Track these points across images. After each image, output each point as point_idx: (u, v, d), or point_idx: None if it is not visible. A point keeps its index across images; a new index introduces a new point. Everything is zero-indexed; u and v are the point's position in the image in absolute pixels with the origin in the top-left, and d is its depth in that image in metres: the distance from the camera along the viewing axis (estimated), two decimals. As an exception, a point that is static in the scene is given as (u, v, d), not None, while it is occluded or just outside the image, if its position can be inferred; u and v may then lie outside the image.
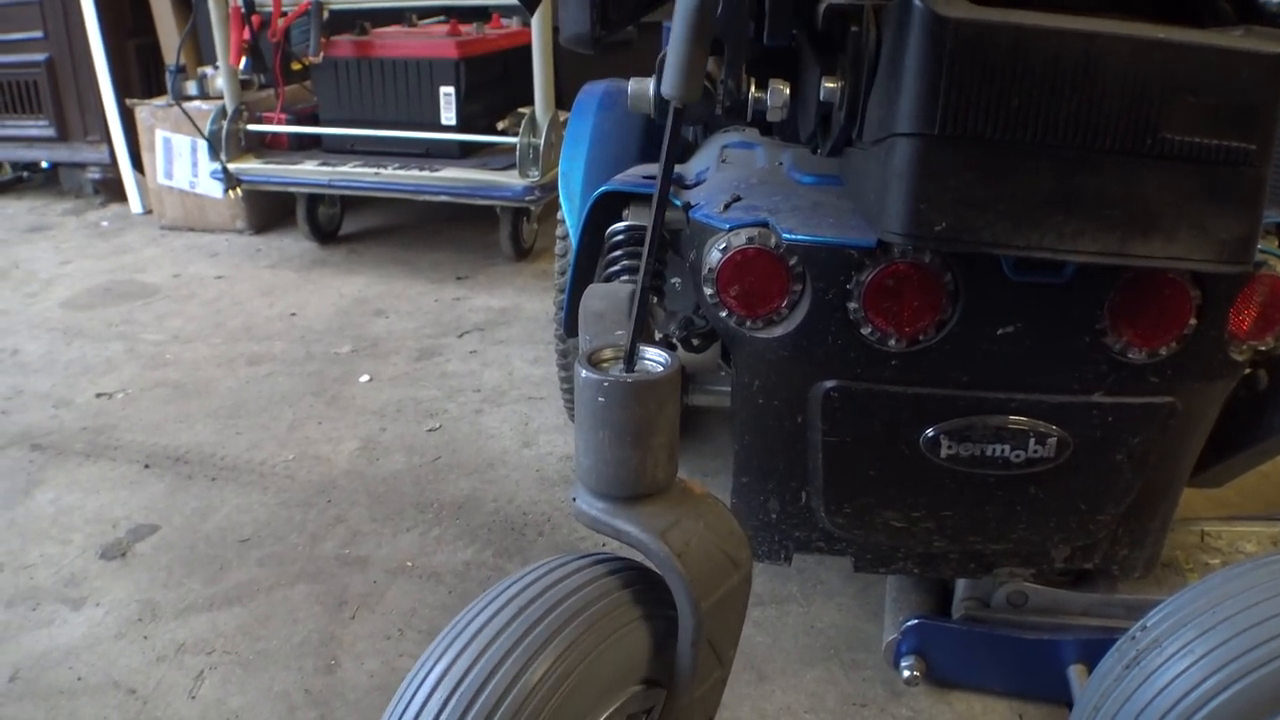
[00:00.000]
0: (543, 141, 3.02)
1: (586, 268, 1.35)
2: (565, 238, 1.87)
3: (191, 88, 3.69)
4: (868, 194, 0.97)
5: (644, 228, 1.22)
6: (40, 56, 3.90)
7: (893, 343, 1.03)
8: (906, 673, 1.35)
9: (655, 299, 1.22)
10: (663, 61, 1.05)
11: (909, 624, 1.35)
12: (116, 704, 1.42)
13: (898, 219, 0.87)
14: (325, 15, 3.20)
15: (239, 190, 3.32)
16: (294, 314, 2.93)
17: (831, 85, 1.01)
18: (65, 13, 3.79)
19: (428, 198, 3.16)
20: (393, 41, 3.23)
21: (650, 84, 1.05)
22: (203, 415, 2.29)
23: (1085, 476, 1.13)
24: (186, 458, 2.10)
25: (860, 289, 1.01)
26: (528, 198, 3.05)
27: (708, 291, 1.07)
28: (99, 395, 2.41)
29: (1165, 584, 1.37)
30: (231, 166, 3.28)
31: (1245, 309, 1.05)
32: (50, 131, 4.02)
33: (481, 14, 3.45)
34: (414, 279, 3.23)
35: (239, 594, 1.66)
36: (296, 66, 3.43)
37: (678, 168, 1.39)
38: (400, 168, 3.18)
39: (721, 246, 1.05)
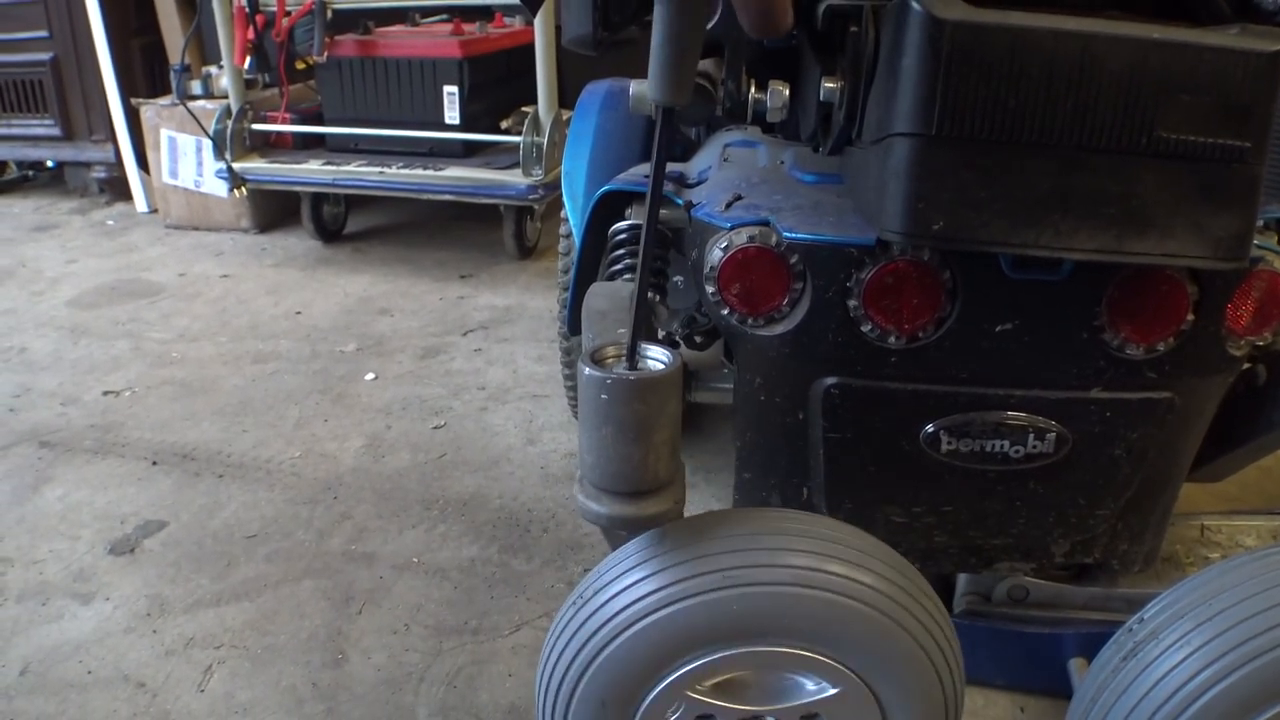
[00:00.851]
0: (546, 140, 3.03)
1: (590, 266, 1.36)
2: (568, 236, 1.88)
3: (196, 87, 3.70)
4: (867, 193, 0.99)
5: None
6: (45, 56, 3.92)
7: (893, 340, 1.04)
8: (908, 667, 1.36)
9: (658, 297, 1.23)
10: None
11: (910, 618, 1.36)
12: (126, 697, 1.44)
13: (896, 218, 0.88)
14: (329, 15, 3.21)
15: (244, 189, 3.33)
16: (299, 312, 2.94)
17: (831, 85, 1.02)
18: (70, 12, 3.81)
19: (431, 197, 3.17)
20: (396, 41, 3.24)
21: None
22: (209, 413, 2.31)
23: (1084, 471, 1.14)
24: (194, 455, 2.11)
25: (860, 287, 1.02)
26: (531, 196, 3.06)
27: (709, 290, 1.09)
28: (106, 393, 2.42)
29: (1165, 578, 1.37)
30: (236, 166, 3.29)
31: (1242, 304, 1.06)
32: (55, 131, 4.03)
33: (484, 13, 3.46)
34: (418, 278, 3.25)
35: (246, 589, 1.67)
36: (301, 66, 3.44)
37: (680, 166, 1.40)
38: (404, 167, 3.19)
39: (723, 245, 1.07)
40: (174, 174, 3.74)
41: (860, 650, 0.88)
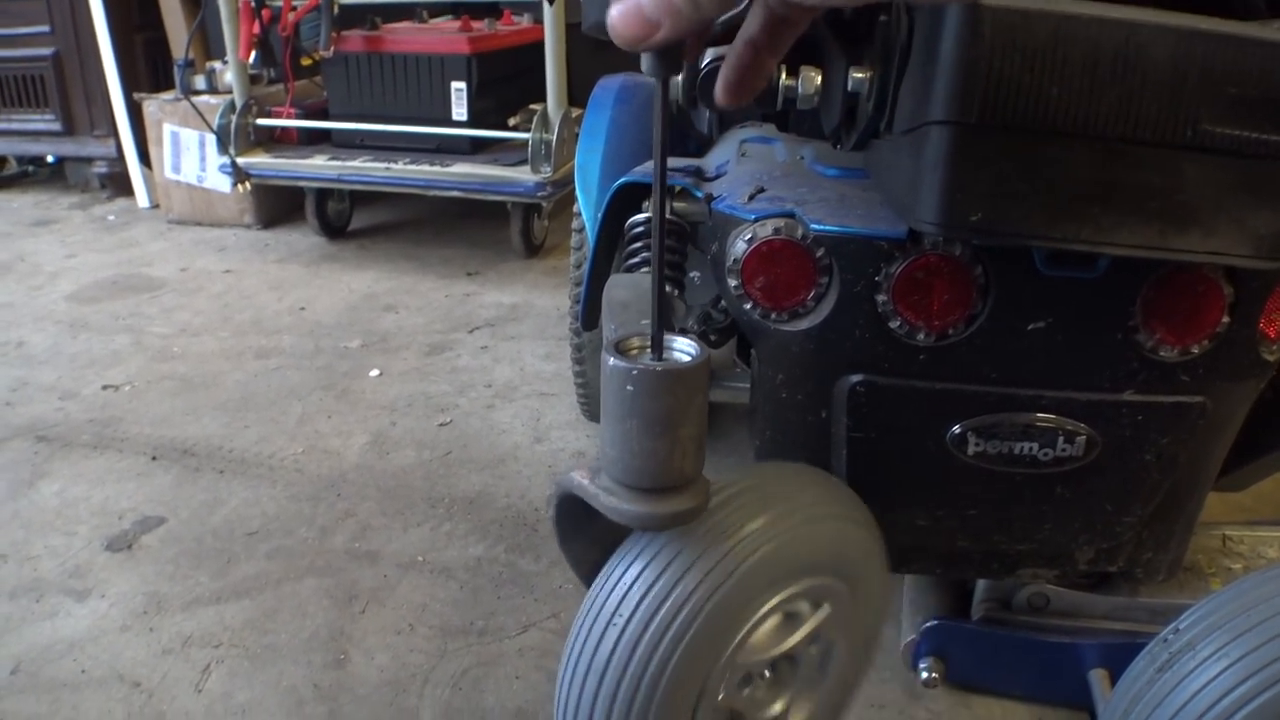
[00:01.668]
0: (555, 138, 3.00)
1: (604, 261, 1.33)
2: (581, 231, 1.85)
3: (200, 82, 3.68)
4: (897, 186, 0.96)
5: (666, 219, 1.20)
6: (47, 51, 3.89)
7: (921, 337, 1.01)
8: (925, 674, 1.33)
9: (676, 292, 1.20)
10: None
11: (928, 625, 1.33)
12: (121, 697, 1.41)
13: (931, 209, 0.85)
14: (335, 10, 3.19)
15: (248, 185, 3.31)
16: (303, 308, 2.91)
17: (860, 75, 0.99)
18: (72, 7, 3.79)
19: (438, 193, 3.15)
20: (404, 36, 3.22)
21: None
22: (210, 408, 2.27)
23: (1113, 476, 1.11)
24: (194, 450, 2.08)
25: (889, 281, 0.99)
26: (539, 194, 3.03)
27: (731, 283, 1.05)
28: (105, 387, 2.39)
29: (1188, 588, 1.35)
30: (240, 161, 3.26)
31: (1277, 309, 1.03)
32: (56, 126, 4.01)
33: (493, 10, 3.44)
34: (424, 274, 3.22)
35: (247, 587, 1.64)
36: (306, 61, 3.43)
37: (696, 161, 1.37)
38: (411, 163, 3.16)
39: (747, 237, 1.04)
40: (176, 169, 3.72)
41: (850, 563, 0.99)
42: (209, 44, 3.92)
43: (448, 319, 2.82)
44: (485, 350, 2.59)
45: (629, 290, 0.99)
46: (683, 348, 0.83)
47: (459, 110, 3.19)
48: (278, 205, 3.76)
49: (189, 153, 3.68)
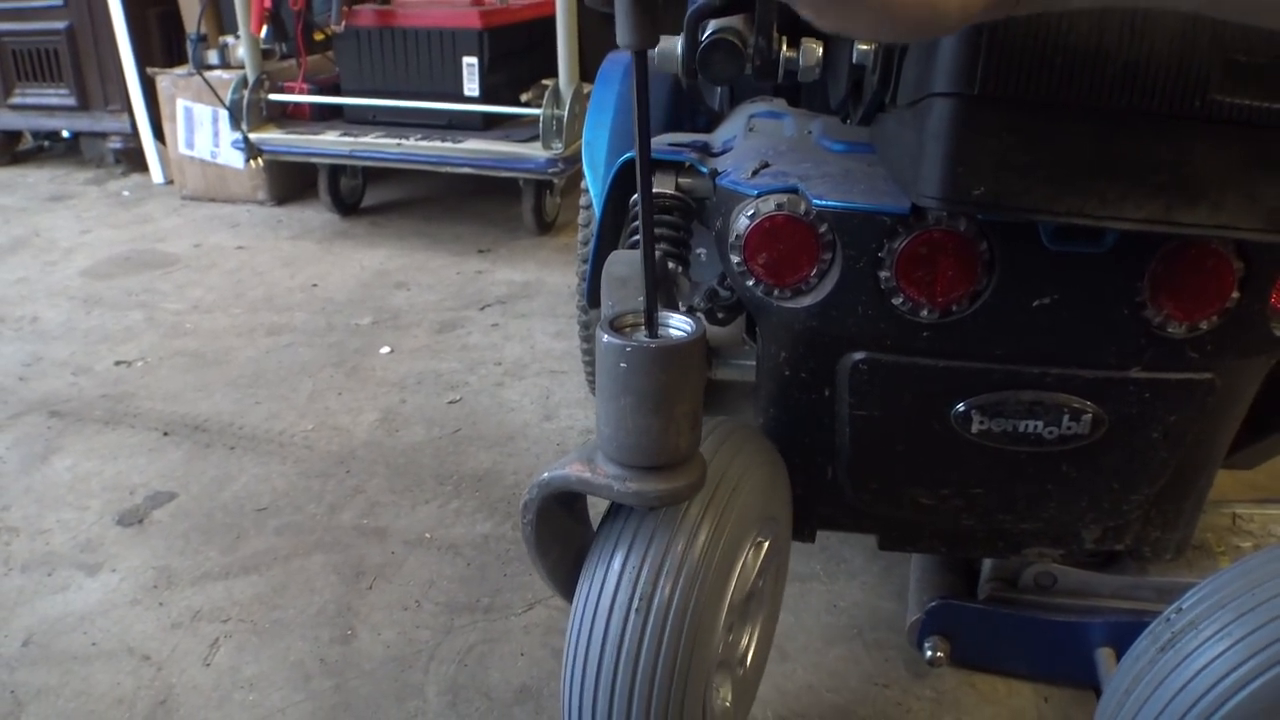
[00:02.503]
0: (566, 114, 2.98)
1: (610, 237, 1.33)
2: (589, 207, 1.84)
3: (213, 57, 3.67)
4: (901, 160, 0.94)
5: (669, 195, 1.19)
6: (61, 24, 3.89)
7: (925, 313, 1.00)
8: (930, 653, 1.32)
9: (680, 269, 1.19)
10: (692, 20, 1.02)
11: (933, 604, 1.32)
12: (131, 669, 1.42)
13: (934, 183, 0.83)
14: (347, -16, 3.17)
15: (260, 160, 3.30)
16: (315, 285, 2.92)
17: (865, 48, 0.98)
18: (86, -19, 3.78)
19: (450, 169, 3.13)
20: (416, 11, 3.20)
21: (678, 42, 1.02)
22: (222, 384, 2.28)
23: (1120, 455, 1.10)
24: (205, 426, 2.09)
25: (893, 257, 0.98)
26: (551, 170, 3.02)
27: (734, 259, 1.04)
28: (118, 363, 2.40)
29: (1196, 567, 1.33)
30: (253, 136, 3.26)
31: None
32: (71, 100, 4.01)
33: (505, -15, 3.41)
34: (436, 252, 3.21)
35: (256, 562, 1.65)
36: (318, 36, 3.41)
37: (704, 136, 1.36)
38: (423, 139, 3.15)
39: (749, 213, 1.02)
40: (190, 145, 3.72)
41: (781, 502, 1.13)
42: (222, 18, 3.90)
43: (459, 296, 2.82)
44: (496, 328, 2.59)
45: (628, 267, 0.98)
46: (678, 324, 0.82)
47: (471, 86, 3.17)
48: (291, 182, 3.76)
49: (202, 128, 3.68)
